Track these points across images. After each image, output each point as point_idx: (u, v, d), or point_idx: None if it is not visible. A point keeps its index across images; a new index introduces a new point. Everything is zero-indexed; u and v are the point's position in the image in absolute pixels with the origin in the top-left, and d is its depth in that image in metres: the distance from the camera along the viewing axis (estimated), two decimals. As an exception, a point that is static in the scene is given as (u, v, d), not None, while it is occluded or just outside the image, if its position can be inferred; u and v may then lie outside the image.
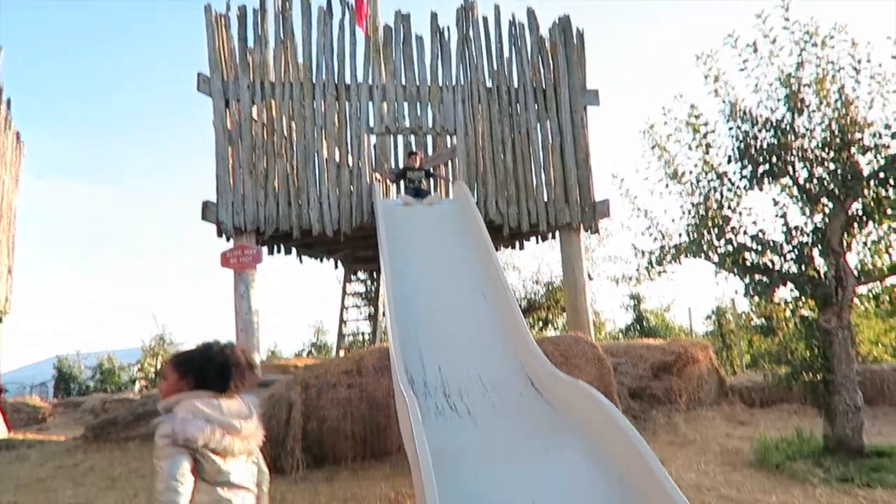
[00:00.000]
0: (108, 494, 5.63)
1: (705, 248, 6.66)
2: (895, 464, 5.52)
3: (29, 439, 8.35)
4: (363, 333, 13.26)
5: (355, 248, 10.51)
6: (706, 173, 6.75)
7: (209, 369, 2.36)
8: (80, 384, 18.59)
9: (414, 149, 11.36)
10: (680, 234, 6.88)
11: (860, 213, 6.24)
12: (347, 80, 9.44)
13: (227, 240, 8.79)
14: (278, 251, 10.27)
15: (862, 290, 6.51)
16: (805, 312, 6.77)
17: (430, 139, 11.97)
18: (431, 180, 10.11)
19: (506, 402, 4.97)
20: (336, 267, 12.30)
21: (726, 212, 6.70)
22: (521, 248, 11.33)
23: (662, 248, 6.96)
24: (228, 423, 2.30)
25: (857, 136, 6.09)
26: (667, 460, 3.49)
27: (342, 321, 12.30)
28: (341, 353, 11.72)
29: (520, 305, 7.68)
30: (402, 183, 9.96)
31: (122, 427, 7.43)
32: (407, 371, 5.14)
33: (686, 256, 6.79)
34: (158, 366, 17.77)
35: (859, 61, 6.03)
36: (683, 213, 6.86)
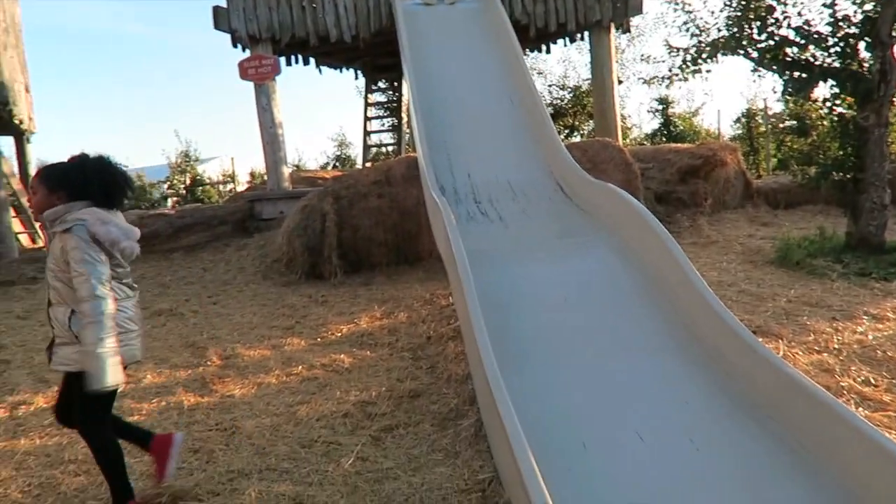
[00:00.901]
0: (163, 299, 6.04)
1: (745, 42, 6.31)
2: (914, 258, 5.65)
3: (78, 252, 8.82)
4: (386, 145, 13.24)
5: (375, 55, 10.12)
6: (754, -44, 6.20)
7: (95, 184, 2.31)
8: (113, 201, 19.13)
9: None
10: (719, 29, 6.49)
11: (918, -2, 5.79)
12: None
13: (243, 50, 8.50)
14: (296, 62, 9.92)
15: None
16: (842, 110, 6.56)
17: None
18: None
19: (536, 206, 5.05)
20: (356, 77, 11.97)
21: (771, 1, 6.25)
22: (548, 51, 10.84)
23: (699, 44, 6.60)
24: (129, 230, 2.38)
25: None
26: (689, 260, 3.60)
27: (366, 133, 12.22)
28: (367, 165, 11.79)
29: (546, 111, 7.48)
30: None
31: (164, 239, 7.77)
32: (437, 179, 5.18)
33: (724, 53, 6.46)
34: (187, 182, 18.11)
35: None
36: (724, 4, 6.41)
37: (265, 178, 11.61)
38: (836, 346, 3.77)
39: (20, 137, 11.05)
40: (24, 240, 9.92)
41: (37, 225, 9.62)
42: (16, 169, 10.71)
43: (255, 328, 4.97)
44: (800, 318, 4.28)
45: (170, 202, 18.67)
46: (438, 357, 4.01)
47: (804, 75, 6.27)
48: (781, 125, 10.74)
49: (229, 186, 18.48)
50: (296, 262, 6.39)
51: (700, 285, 3.36)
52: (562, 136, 14.83)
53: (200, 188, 18.17)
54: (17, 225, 9.71)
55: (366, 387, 3.63)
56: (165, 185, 18.66)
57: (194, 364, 4.23)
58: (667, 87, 7.86)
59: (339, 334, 4.69)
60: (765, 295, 4.84)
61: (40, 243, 9.67)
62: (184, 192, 18.10)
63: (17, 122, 10.04)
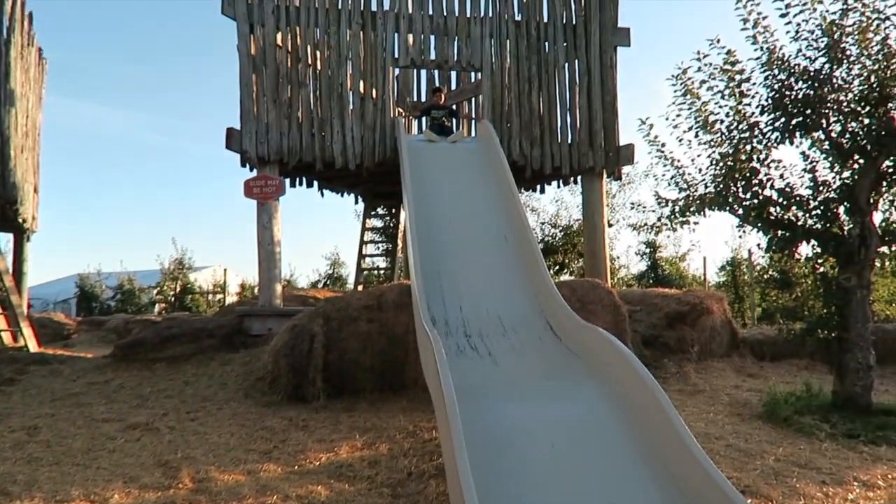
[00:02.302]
0: (139, 411, 5.88)
1: (731, 200, 6.61)
2: (901, 422, 5.63)
3: (59, 355, 8.66)
4: (379, 269, 13.44)
5: (376, 183, 10.51)
6: (738, 123, 6.62)
7: None
8: (101, 303, 19.05)
9: (438, 84, 11.22)
10: (706, 185, 6.82)
11: (891, 171, 6.15)
12: (374, 6, 9.22)
13: (251, 170, 8.83)
14: (300, 183, 10.30)
15: (884, 248, 6.48)
16: (824, 269, 6.78)
17: (454, 74, 11.78)
18: (454, 118, 10.00)
19: (525, 344, 5.08)
20: (356, 202, 12.35)
21: (755, 164, 6.61)
22: (542, 191, 11.30)
23: (687, 197, 6.92)
24: None
25: (896, 90, 5.93)
26: (677, 408, 3.60)
27: (361, 255, 12.44)
28: (359, 288, 11.90)
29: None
30: (423, 119, 9.87)
31: (149, 348, 7.67)
32: (429, 309, 5.24)
33: (711, 208, 6.76)
34: (177, 289, 18.11)
35: (906, 11, 5.79)
36: (711, 163, 6.78)
37: (255, 291, 11.65)
38: (826, 512, 3.69)
39: (21, 235, 11.17)
40: (6, 337, 9.76)
41: (23, 324, 9.52)
42: (10, 266, 10.72)
43: (232, 450, 4.82)
44: (789, 479, 4.20)
45: (157, 308, 18.61)
46: (419, 496, 3.87)
47: (788, 234, 6.53)
48: (765, 277, 11.06)
49: (219, 297, 18.50)
50: (279, 382, 6.30)
51: (689, 440, 3.34)
52: (552, 272, 15.14)
53: (189, 296, 18.17)
54: (1, 322, 9.60)
55: (341, 524, 3.48)
56: (155, 291, 18.65)
57: (165, 486, 4.05)
58: (655, 234, 8.15)
59: (318, 463, 4.55)
60: (753, 451, 4.78)
61: (23, 342, 9.51)
62: (173, 299, 18.08)
63: (20, 220, 10.19)
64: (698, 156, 6.90)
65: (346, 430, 5.29)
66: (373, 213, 12.92)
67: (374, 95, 9.19)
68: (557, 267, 15.81)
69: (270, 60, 8.89)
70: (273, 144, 8.74)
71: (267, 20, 8.90)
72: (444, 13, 9.34)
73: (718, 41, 6.51)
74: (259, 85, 8.86)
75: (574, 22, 9.60)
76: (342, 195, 11.88)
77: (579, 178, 9.87)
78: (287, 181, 9.50)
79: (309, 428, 5.39)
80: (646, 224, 7.69)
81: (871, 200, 6.19)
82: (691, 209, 6.86)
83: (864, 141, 6.03)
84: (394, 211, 12.82)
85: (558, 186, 11.07)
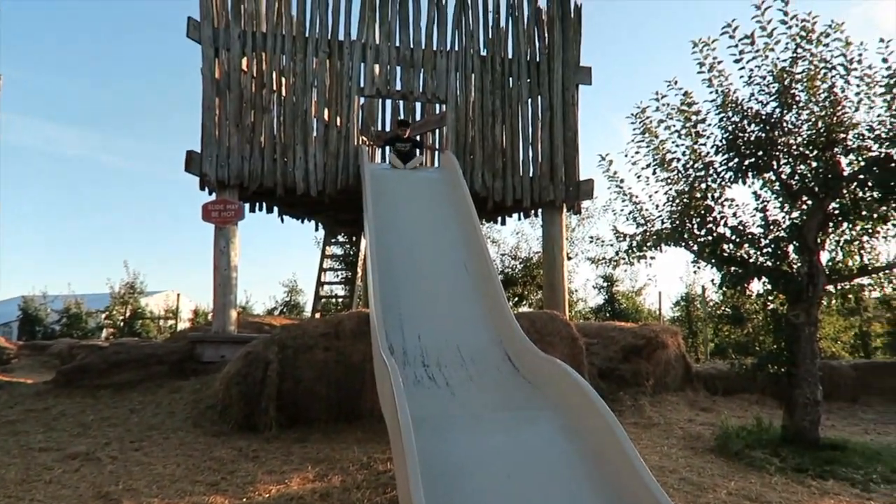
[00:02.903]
0: (80, 440, 5.63)
1: (686, 236, 6.77)
2: (847, 457, 5.75)
3: (-3, 380, 8.29)
4: (338, 297, 13.30)
5: (337, 210, 10.45)
6: (694, 162, 6.81)
7: None
8: (45, 327, 18.34)
9: (403, 116, 11.27)
10: (663, 221, 6.96)
11: (837, 212, 6.38)
12: (341, 36, 9.27)
13: (210, 193, 8.69)
14: (260, 209, 10.17)
15: (830, 287, 6.68)
16: (774, 306, 6.95)
17: (419, 105, 11.88)
18: (418, 150, 10.05)
19: (483, 375, 5.05)
20: (317, 229, 12.24)
21: (709, 202, 6.79)
22: (503, 223, 11.38)
23: (644, 233, 7.05)
24: None
25: (842, 136, 6.18)
26: (632, 441, 3.60)
27: (319, 283, 12.29)
28: (317, 316, 11.73)
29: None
30: (387, 148, 9.90)
31: (94, 374, 7.38)
32: (387, 338, 5.18)
33: (667, 244, 6.89)
34: (127, 314, 17.58)
35: (851, 61, 6.05)
36: (668, 199, 6.94)
37: (209, 317, 11.38)
38: (776, 546, 3.71)
39: (-39, 254, 10.74)
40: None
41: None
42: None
43: (177, 481, 4.63)
44: (740, 513, 4.23)
45: (104, 333, 18.00)
46: (371, 530, 3.78)
47: (740, 271, 6.69)
48: (718, 313, 11.27)
49: (171, 323, 18.01)
50: (230, 411, 6.12)
51: (644, 474, 3.34)
52: (511, 304, 15.19)
53: (140, 321, 17.65)
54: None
55: (290, 559, 3.35)
56: (103, 315, 18.07)
57: (103, 519, 3.87)
58: (613, 268, 8.27)
59: (268, 495, 4.40)
60: (706, 485, 4.81)
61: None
62: (122, 324, 17.53)
63: (-38, 238, 9.80)
64: (655, 192, 7.06)
65: (298, 462, 5.15)
66: (333, 240, 12.82)
67: (338, 123, 9.19)
68: (517, 298, 15.88)
69: (235, 85, 8.84)
70: (234, 168, 8.64)
71: (233, 45, 8.87)
72: (411, 45, 9.45)
73: (676, 83, 6.73)
74: (222, 109, 8.78)
75: (538, 59, 9.81)
76: (302, 222, 11.77)
77: (540, 211, 9.98)
78: (246, 206, 9.37)
79: (259, 459, 5.23)
80: (604, 258, 7.82)
81: (819, 240, 6.39)
82: (648, 244, 6.99)
83: (812, 183, 6.26)
84: (354, 239, 12.75)
85: (519, 219, 11.18)
